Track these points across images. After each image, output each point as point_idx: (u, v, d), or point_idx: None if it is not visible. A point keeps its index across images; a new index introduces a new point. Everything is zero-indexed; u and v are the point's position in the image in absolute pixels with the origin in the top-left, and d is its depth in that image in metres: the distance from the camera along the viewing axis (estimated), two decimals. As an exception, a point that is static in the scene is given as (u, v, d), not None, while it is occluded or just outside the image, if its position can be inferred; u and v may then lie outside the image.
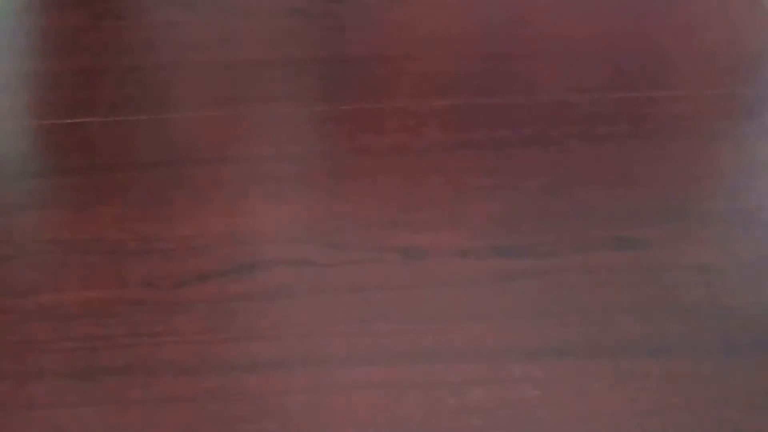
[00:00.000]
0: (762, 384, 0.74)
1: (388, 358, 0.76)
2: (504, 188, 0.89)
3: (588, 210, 0.87)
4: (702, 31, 1.02)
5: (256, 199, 0.89)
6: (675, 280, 0.82)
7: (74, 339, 0.77)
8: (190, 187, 0.90)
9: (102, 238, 0.85)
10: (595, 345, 0.77)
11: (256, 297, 0.81)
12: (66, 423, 0.72)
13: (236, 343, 0.77)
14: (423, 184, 0.89)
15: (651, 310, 0.79)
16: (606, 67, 1.02)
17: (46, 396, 0.74)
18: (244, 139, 0.94)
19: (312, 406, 0.73)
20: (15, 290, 0.81)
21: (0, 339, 0.78)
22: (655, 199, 0.88)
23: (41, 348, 0.77)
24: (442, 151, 0.93)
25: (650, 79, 1.00)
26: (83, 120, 0.97)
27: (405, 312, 0.80)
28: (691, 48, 1.03)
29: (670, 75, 1.01)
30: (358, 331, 0.78)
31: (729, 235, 0.85)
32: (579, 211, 0.87)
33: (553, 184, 0.90)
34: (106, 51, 1.05)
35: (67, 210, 0.89)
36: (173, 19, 1.09)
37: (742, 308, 0.79)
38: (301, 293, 0.81)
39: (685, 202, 0.88)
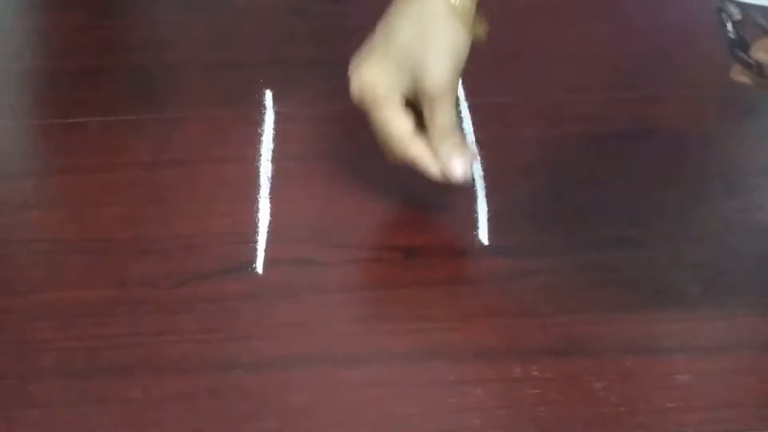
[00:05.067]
0: (763, 385, 0.74)
1: (388, 357, 0.76)
2: (504, 188, 0.89)
3: (588, 210, 0.87)
4: (702, 31, 1.02)
5: (256, 198, 0.89)
6: (674, 279, 0.82)
7: (74, 338, 0.77)
8: (190, 187, 0.90)
9: (102, 238, 0.86)
10: (596, 345, 0.77)
11: (257, 296, 0.81)
12: (66, 422, 0.72)
13: (237, 342, 0.77)
14: (423, 184, 0.89)
15: (651, 310, 0.79)
16: (606, 67, 1.02)
17: (47, 395, 0.74)
18: (243, 139, 0.94)
19: (312, 405, 0.73)
20: (15, 290, 0.81)
21: (0, 338, 0.78)
22: (655, 199, 0.88)
23: (41, 347, 0.77)
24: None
25: (650, 79, 1.00)
26: (83, 120, 0.97)
27: (405, 312, 0.80)
28: (691, 48, 1.03)
29: (670, 75, 1.01)
30: (358, 331, 0.78)
31: (729, 235, 0.85)
32: (579, 211, 0.87)
33: (553, 184, 0.90)
34: (106, 51, 1.05)
35: (67, 210, 0.89)
36: (173, 18, 1.09)
37: (742, 308, 0.79)
38: (302, 293, 0.81)
39: (684, 202, 0.87)
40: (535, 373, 0.74)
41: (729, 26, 0.68)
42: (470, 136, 0.93)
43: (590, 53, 1.03)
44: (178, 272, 0.82)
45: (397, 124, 0.80)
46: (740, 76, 0.67)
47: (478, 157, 0.83)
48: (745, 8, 0.65)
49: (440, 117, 0.78)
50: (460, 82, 0.95)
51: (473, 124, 0.94)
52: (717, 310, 0.79)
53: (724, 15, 0.68)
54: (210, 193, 0.89)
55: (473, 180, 0.89)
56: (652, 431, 0.71)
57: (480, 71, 0.98)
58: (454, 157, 0.79)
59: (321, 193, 0.88)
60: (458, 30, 0.78)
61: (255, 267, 0.83)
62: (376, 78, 0.79)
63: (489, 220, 0.86)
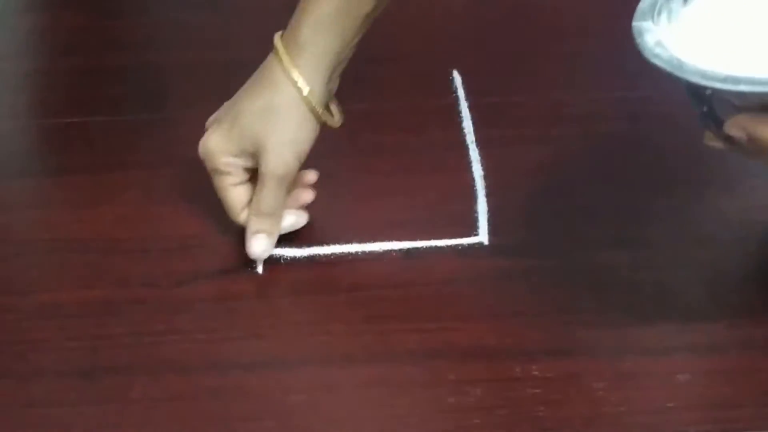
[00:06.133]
0: (763, 385, 0.74)
1: (388, 357, 0.76)
2: (504, 188, 0.89)
3: (588, 210, 0.87)
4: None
5: (256, 198, 0.89)
6: (675, 279, 0.82)
7: (75, 338, 0.77)
8: (190, 187, 0.90)
9: (102, 238, 0.86)
10: (596, 345, 0.77)
11: (257, 296, 0.81)
12: (66, 422, 0.72)
13: (236, 342, 0.77)
14: (423, 184, 0.89)
15: (651, 310, 0.79)
16: (606, 67, 1.02)
17: (47, 395, 0.74)
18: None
19: (312, 404, 0.73)
20: (15, 289, 0.81)
21: (0, 338, 0.78)
22: (655, 199, 0.88)
23: (42, 347, 0.77)
24: (442, 150, 0.93)
25: (650, 79, 1.00)
26: (83, 120, 0.97)
27: (405, 312, 0.80)
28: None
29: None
30: (358, 331, 0.78)
31: (729, 235, 0.85)
32: (579, 211, 0.87)
33: (553, 184, 0.90)
34: (106, 51, 1.05)
35: (67, 210, 0.89)
36: (173, 18, 1.09)
37: (742, 308, 0.79)
38: (302, 292, 0.81)
39: (685, 202, 0.87)
40: (535, 373, 0.74)
41: (699, 102, 0.71)
42: (470, 136, 0.93)
43: (590, 53, 1.03)
44: (178, 272, 0.82)
45: (229, 196, 0.82)
46: (712, 142, 0.72)
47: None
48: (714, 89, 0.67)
49: (263, 199, 0.81)
50: (461, 81, 0.95)
51: (473, 124, 0.94)
52: (717, 310, 0.79)
53: (693, 93, 0.71)
54: (210, 193, 0.89)
55: (473, 180, 0.89)
56: (652, 431, 0.71)
57: (480, 71, 0.98)
58: (256, 238, 0.81)
59: (321, 193, 0.88)
60: (305, 119, 0.81)
61: (255, 267, 0.83)
62: (217, 152, 0.81)
63: (489, 220, 0.86)
